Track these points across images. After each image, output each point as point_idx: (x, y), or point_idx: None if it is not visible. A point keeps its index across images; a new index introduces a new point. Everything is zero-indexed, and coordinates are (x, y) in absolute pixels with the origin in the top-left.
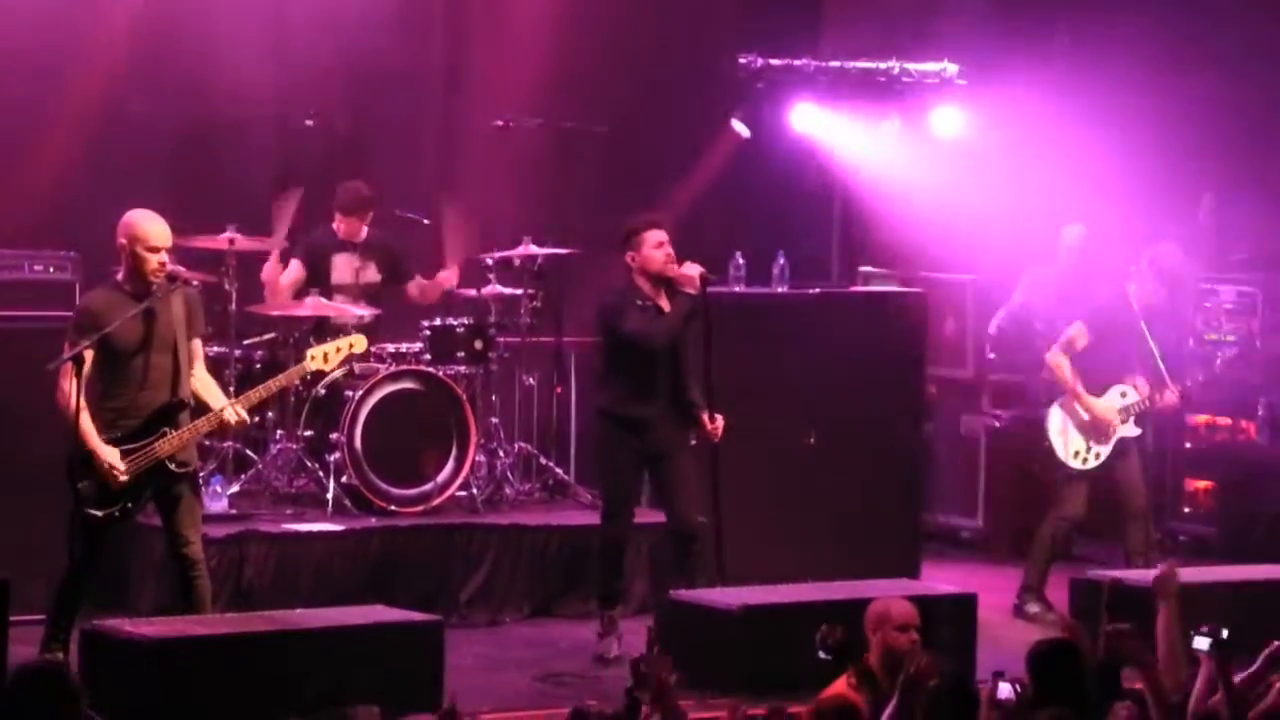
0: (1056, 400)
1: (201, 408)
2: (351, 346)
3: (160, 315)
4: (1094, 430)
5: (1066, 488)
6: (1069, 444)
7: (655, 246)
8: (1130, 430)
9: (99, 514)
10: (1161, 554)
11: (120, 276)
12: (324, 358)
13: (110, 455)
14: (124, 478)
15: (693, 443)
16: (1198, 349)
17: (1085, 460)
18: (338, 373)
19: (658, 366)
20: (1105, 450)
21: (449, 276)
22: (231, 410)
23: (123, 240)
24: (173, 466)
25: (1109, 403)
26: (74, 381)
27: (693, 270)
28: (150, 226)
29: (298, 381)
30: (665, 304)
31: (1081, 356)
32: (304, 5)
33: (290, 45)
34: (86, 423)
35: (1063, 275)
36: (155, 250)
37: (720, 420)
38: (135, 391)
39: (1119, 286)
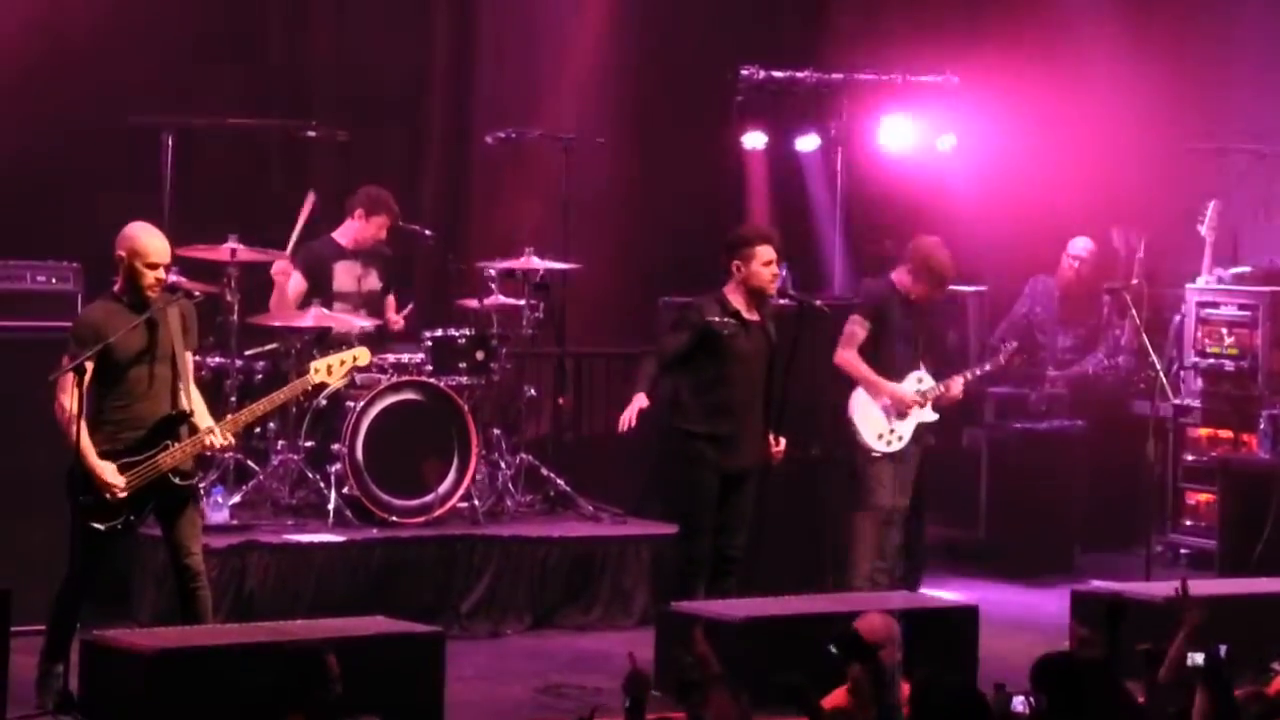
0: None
1: (192, 425)
2: (355, 359)
3: (159, 326)
4: (895, 412)
5: (873, 477)
6: (872, 427)
7: (764, 264)
8: (928, 415)
9: (101, 527)
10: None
11: (117, 288)
12: (328, 370)
13: (108, 473)
14: (123, 494)
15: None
16: (1199, 361)
17: (890, 442)
18: (340, 384)
19: (739, 384)
20: (906, 431)
21: (397, 320)
22: (217, 435)
23: (121, 253)
24: (175, 479)
25: (907, 386)
26: (74, 394)
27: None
28: (150, 241)
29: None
30: (753, 316)
31: (872, 347)
32: (307, 15)
33: (293, 56)
34: (85, 438)
35: (1066, 286)
36: (154, 266)
37: (783, 442)
38: (136, 403)
39: (886, 277)
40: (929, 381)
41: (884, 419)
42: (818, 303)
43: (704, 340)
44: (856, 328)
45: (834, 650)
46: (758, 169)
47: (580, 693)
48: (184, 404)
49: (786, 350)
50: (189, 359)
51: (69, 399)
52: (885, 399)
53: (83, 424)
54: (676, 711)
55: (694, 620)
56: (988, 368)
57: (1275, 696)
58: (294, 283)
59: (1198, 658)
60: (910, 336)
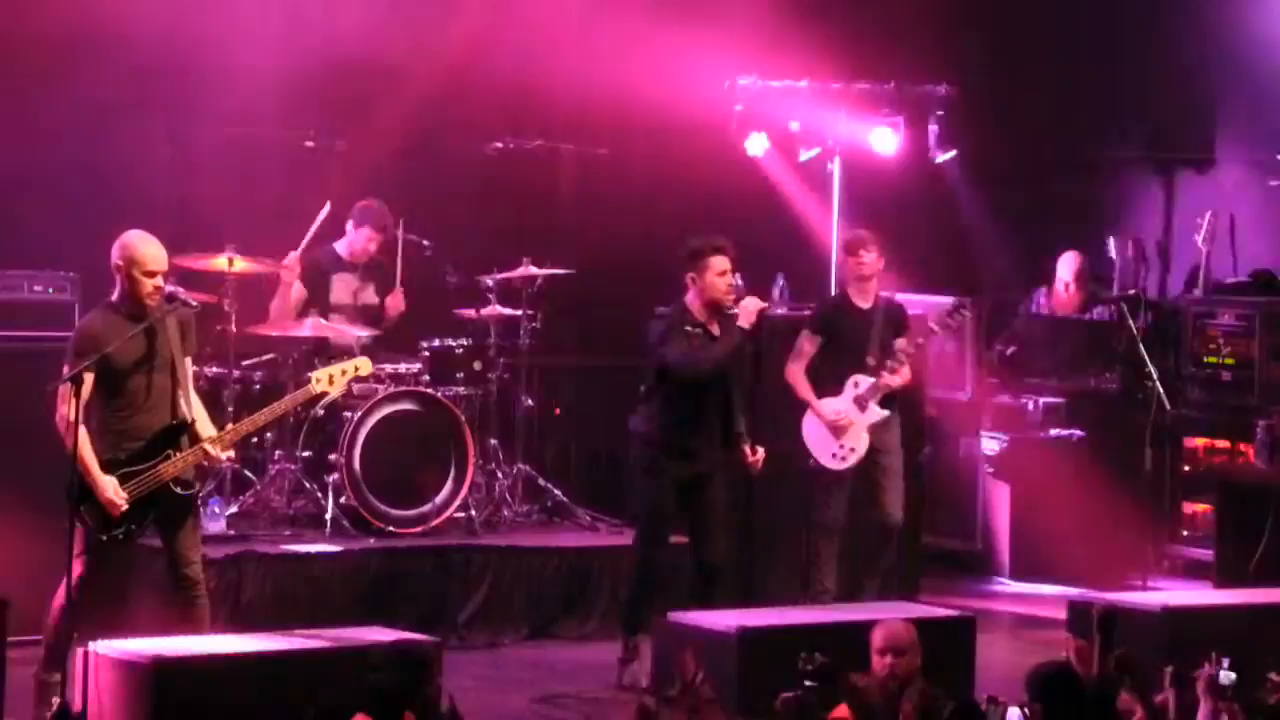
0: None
1: (193, 434)
2: (357, 369)
3: (159, 335)
4: (835, 430)
5: (825, 492)
6: (824, 446)
7: (718, 274)
8: (875, 416)
9: (103, 536)
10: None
11: (115, 298)
12: (329, 380)
13: (110, 489)
14: (125, 507)
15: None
16: (1196, 371)
17: (844, 458)
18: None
19: (703, 394)
20: (857, 443)
21: (396, 301)
22: (215, 447)
23: (118, 262)
24: (177, 489)
25: (842, 399)
26: (73, 404)
27: (751, 305)
28: (147, 250)
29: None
30: (715, 329)
31: (825, 360)
32: (303, 27)
33: (291, 67)
34: (86, 448)
35: (1060, 307)
36: (151, 275)
37: (761, 452)
38: (137, 413)
39: (840, 289)
40: (866, 382)
41: (830, 437)
42: (780, 311)
43: (658, 358)
44: (804, 343)
45: (807, 684)
46: (757, 178)
47: (578, 703)
48: (184, 413)
49: (750, 360)
50: (189, 367)
51: (68, 410)
52: (821, 418)
53: (83, 434)
54: None
55: (688, 637)
56: (933, 328)
57: (1273, 708)
58: (295, 290)
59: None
60: (859, 345)
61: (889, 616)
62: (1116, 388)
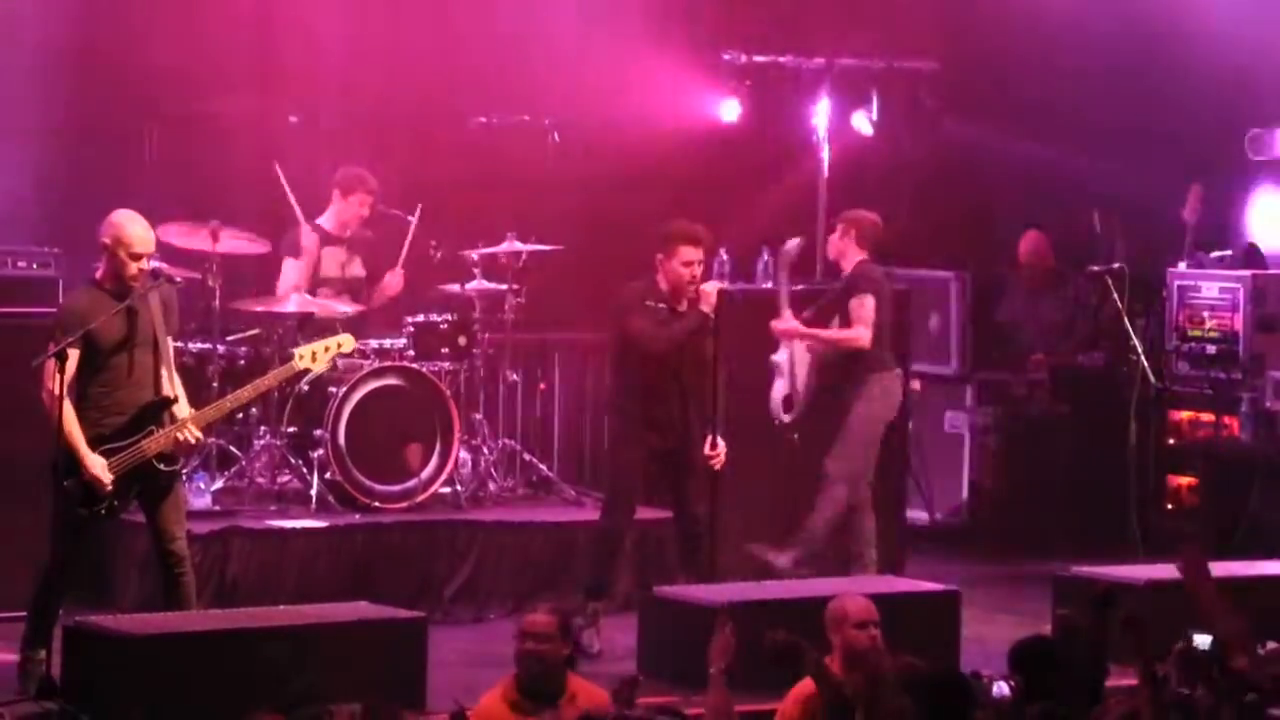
0: None
1: (174, 411)
2: (340, 346)
3: (141, 312)
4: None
5: None
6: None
7: (684, 264)
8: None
9: (85, 511)
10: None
11: (100, 275)
12: (312, 357)
13: (97, 465)
14: (109, 487)
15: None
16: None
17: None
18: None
19: (665, 368)
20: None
21: (395, 282)
22: (188, 431)
23: (106, 240)
24: (160, 465)
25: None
26: (58, 380)
27: (710, 288)
28: (135, 231)
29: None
30: (683, 307)
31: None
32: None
33: (275, 41)
34: (73, 424)
35: (1027, 276)
36: (138, 256)
37: (722, 448)
38: (119, 389)
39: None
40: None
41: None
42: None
43: (621, 328)
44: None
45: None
46: (738, 151)
47: None
48: (167, 390)
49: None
50: (170, 344)
51: (54, 385)
52: None
53: (68, 409)
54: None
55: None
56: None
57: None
58: (289, 270)
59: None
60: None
61: (847, 591)
62: (1102, 362)
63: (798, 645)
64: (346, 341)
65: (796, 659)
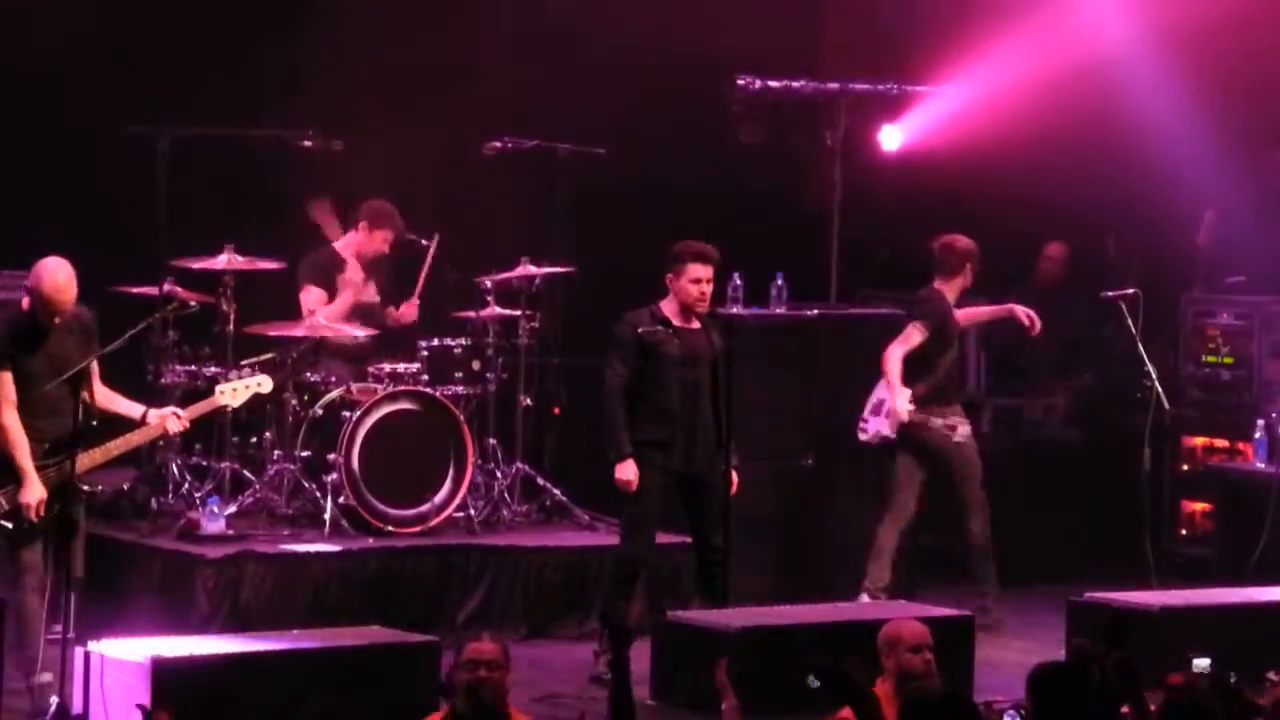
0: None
1: (118, 419)
2: (259, 385)
3: (63, 343)
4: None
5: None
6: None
7: (692, 280)
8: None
9: (8, 525)
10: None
11: (25, 306)
12: (233, 392)
13: (38, 495)
14: (35, 520)
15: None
16: (1195, 370)
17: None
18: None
19: (674, 388)
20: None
21: (409, 312)
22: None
23: (29, 284)
24: (85, 487)
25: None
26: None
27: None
28: (54, 283)
29: (210, 411)
30: (694, 324)
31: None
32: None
33: (288, 65)
34: (23, 446)
35: (1043, 293)
36: (53, 306)
37: (734, 478)
38: (41, 420)
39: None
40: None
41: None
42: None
43: (640, 351)
44: (913, 332)
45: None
46: (752, 176)
47: (576, 702)
48: (88, 417)
49: (723, 362)
50: (94, 365)
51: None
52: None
53: (18, 428)
54: None
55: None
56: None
57: (1271, 707)
58: (318, 299)
59: (1201, 664)
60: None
61: (896, 616)
62: (1115, 387)
63: (846, 673)
64: (265, 383)
65: (845, 686)
